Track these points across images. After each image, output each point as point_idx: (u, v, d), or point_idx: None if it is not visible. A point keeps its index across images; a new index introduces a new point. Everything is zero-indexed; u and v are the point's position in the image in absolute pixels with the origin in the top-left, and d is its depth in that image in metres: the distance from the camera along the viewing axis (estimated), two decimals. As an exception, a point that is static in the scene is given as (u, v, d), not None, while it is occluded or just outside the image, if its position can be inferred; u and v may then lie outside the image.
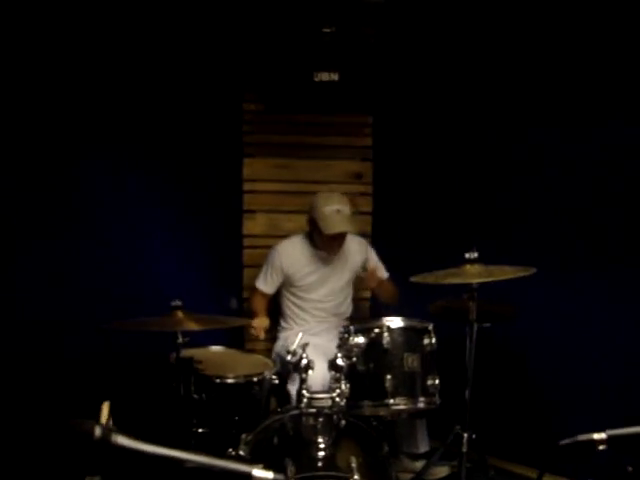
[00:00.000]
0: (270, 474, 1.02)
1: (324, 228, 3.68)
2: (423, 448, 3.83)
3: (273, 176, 4.40)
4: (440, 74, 4.21)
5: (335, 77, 3.96)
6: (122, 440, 0.96)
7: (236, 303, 4.21)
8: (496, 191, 3.98)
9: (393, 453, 3.17)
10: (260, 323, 3.69)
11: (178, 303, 2.93)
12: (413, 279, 3.01)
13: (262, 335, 3.71)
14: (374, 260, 4.05)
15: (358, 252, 4.00)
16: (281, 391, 3.47)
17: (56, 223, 3.48)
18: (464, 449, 3.18)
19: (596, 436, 1.53)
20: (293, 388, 3.44)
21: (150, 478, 1.01)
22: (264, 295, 3.95)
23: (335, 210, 3.69)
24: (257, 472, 1.01)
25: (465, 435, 3.19)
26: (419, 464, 3.72)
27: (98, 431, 0.95)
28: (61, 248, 3.51)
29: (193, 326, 2.84)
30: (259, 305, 3.93)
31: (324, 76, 3.95)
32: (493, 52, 3.95)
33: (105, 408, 1.61)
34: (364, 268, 3.98)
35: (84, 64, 3.59)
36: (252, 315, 3.86)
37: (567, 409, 3.69)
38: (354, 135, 4.50)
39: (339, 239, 3.79)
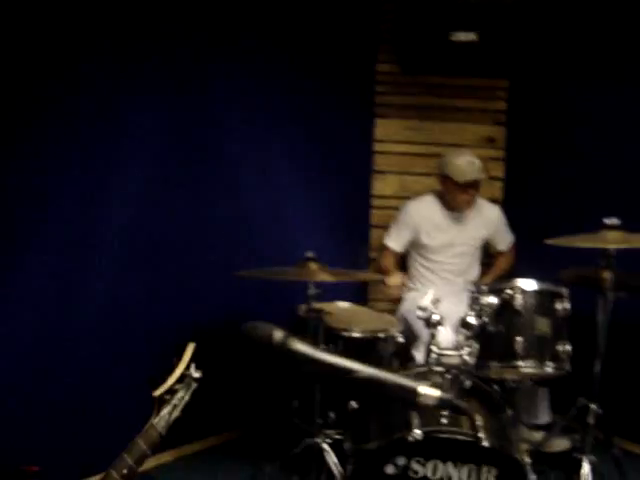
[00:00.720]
0: (437, 392, 1.04)
1: (456, 176, 3.67)
2: (544, 419, 3.78)
3: (404, 138, 4.40)
4: (578, 40, 4.05)
5: (473, 37, 3.88)
6: (299, 346, 1.02)
7: (363, 254, 4.22)
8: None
9: (513, 421, 3.14)
10: (395, 280, 3.71)
11: (311, 255, 3.00)
12: (548, 241, 2.95)
13: (398, 293, 3.73)
14: (502, 234, 4.03)
15: (489, 220, 3.97)
16: (404, 353, 3.50)
17: (201, 176, 3.60)
18: (590, 420, 3.10)
19: None
20: (418, 354, 3.47)
21: (322, 382, 1.07)
22: (393, 253, 3.98)
23: (467, 161, 3.69)
24: (423, 388, 1.04)
25: (592, 406, 3.11)
26: (538, 435, 3.68)
27: (278, 335, 1.01)
28: (204, 199, 3.64)
29: (326, 277, 2.91)
30: (389, 263, 3.96)
31: (461, 36, 3.88)
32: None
33: (189, 349, 1.70)
34: (491, 242, 3.96)
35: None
36: (383, 274, 3.88)
37: None
38: (488, 99, 4.43)
39: (470, 192, 3.75)
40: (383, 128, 4.39)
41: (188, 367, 1.67)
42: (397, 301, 3.99)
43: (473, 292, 2.96)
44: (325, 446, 3.23)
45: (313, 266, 2.98)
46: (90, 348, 3.24)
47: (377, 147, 4.40)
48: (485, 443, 2.51)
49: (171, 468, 3.60)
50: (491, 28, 3.97)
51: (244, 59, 3.70)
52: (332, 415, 3.33)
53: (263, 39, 3.76)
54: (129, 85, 3.24)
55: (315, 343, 3.23)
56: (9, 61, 2.81)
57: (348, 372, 1.02)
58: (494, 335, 2.86)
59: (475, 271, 4.01)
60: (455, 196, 3.77)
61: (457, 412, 1.41)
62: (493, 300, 2.84)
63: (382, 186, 4.42)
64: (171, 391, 1.63)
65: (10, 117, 2.84)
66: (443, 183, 3.79)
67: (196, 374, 1.67)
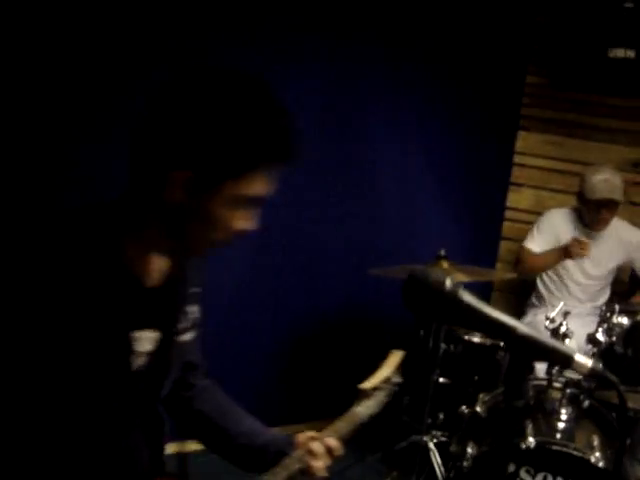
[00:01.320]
0: (590, 362, 1.06)
1: (589, 194, 3.58)
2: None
3: (545, 152, 4.34)
4: None
5: (632, 54, 3.77)
6: (467, 297, 1.06)
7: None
8: None
9: (631, 451, 3.04)
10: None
11: (444, 253, 3.03)
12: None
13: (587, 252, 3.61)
14: None
15: (629, 244, 3.81)
16: (523, 366, 3.46)
17: (340, 173, 3.70)
18: None
19: None
20: (539, 365, 3.41)
21: (483, 332, 1.11)
22: (533, 255, 3.84)
23: (603, 179, 3.58)
24: (579, 357, 1.06)
25: None
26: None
27: (449, 283, 1.06)
28: (341, 195, 3.74)
29: (458, 276, 2.93)
30: (528, 265, 3.85)
31: (619, 52, 3.79)
32: None
33: (398, 356, 1.89)
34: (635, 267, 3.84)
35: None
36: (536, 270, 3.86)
37: None
38: (637, 120, 4.29)
39: (606, 212, 3.63)
40: (525, 141, 4.35)
41: (394, 372, 1.83)
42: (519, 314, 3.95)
43: (604, 310, 2.90)
44: (431, 445, 3.26)
45: (445, 264, 3.01)
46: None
47: (517, 159, 4.36)
48: (600, 464, 2.46)
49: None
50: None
51: (393, 66, 3.79)
52: (441, 416, 3.36)
53: (414, 49, 3.82)
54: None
55: (435, 342, 3.26)
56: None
57: (509, 329, 1.05)
58: (621, 357, 2.79)
59: (605, 297, 3.88)
60: (590, 215, 3.68)
61: (607, 385, 1.40)
62: (624, 320, 2.78)
63: (517, 199, 4.38)
64: (376, 389, 1.76)
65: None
66: (580, 199, 3.71)
67: (398, 379, 1.84)
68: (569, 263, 3.77)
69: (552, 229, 3.81)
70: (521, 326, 1.06)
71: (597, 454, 2.48)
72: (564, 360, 1.06)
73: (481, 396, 2.95)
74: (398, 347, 3.71)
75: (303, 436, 1.61)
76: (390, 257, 3.47)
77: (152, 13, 2.94)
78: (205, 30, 3.09)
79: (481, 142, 4.17)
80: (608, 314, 2.85)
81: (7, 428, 1.26)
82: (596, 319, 3.06)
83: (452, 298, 1.07)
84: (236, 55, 3.15)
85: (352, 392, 1.75)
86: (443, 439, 3.32)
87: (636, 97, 4.12)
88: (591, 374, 1.07)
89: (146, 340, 1.38)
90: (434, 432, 3.32)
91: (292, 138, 1.27)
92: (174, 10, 3.01)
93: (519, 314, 4.00)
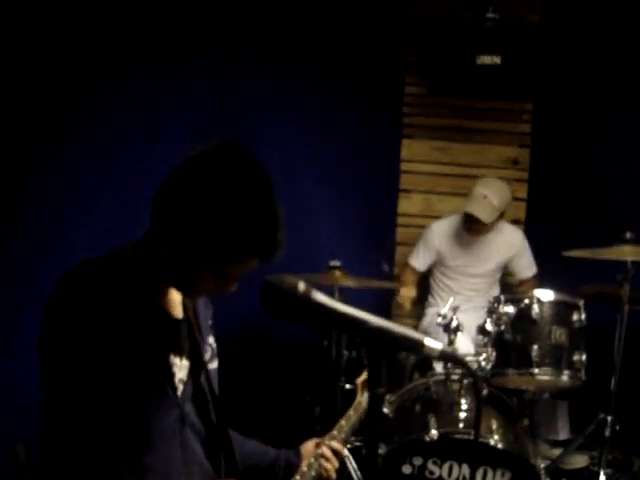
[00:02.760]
0: (439, 345, 1.15)
1: (465, 205, 3.77)
2: (563, 435, 3.82)
3: (430, 158, 4.51)
4: (602, 63, 4.16)
5: (497, 60, 4.01)
6: (320, 297, 1.13)
7: (387, 267, 4.33)
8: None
9: (530, 431, 3.21)
10: (407, 292, 3.83)
11: (337, 263, 3.12)
12: (565, 253, 3.04)
13: (408, 305, 3.85)
14: (524, 260, 4.05)
15: (510, 244, 4.01)
16: (426, 366, 3.58)
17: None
18: (607, 433, 3.16)
19: None
20: (438, 365, 3.55)
21: (338, 329, 1.20)
22: (415, 271, 4.07)
23: (482, 194, 3.73)
24: (428, 341, 1.14)
25: (609, 419, 3.17)
26: (557, 451, 3.72)
27: (302, 286, 1.13)
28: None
29: (350, 283, 3.03)
30: (408, 279, 4.06)
31: (486, 59, 4.02)
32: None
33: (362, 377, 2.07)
34: (512, 267, 4.05)
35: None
36: (400, 286, 4.00)
37: None
38: (513, 121, 4.53)
39: (472, 223, 3.82)
40: (409, 148, 4.51)
41: None
42: (413, 317, 4.10)
43: (491, 302, 3.06)
44: (345, 452, 3.32)
45: (338, 273, 3.10)
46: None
47: (403, 167, 4.51)
48: (500, 445, 2.59)
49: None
50: (515, 51, 4.11)
51: (277, 77, 3.89)
52: (353, 422, 3.43)
53: (297, 59, 3.93)
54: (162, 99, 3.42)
55: (337, 350, 3.35)
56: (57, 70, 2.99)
57: (362, 322, 1.13)
58: (511, 343, 2.94)
59: (495, 291, 4.06)
60: (465, 225, 3.87)
61: (457, 364, 1.49)
62: (510, 309, 2.93)
63: (407, 205, 4.53)
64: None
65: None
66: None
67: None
68: (457, 262, 3.95)
69: (433, 244, 4.00)
70: (373, 318, 1.14)
71: (496, 437, 2.62)
72: (415, 346, 1.15)
73: (387, 397, 3.06)
74: (304, 357, 3.80)
75: (309, 445, 1.81)
76: (289, 270, 3.53)
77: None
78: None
79: (368, 153, 4.30)
80: (495, 305, 3.00)
81: (71, 453, 1.37)
82: (487, 312, 3.22)
83: (305, 300, 1.14)
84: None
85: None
86: (357, 444, 3.40)
87: (505, 99, 4.36)
88: (441, 356, 1.16)
89: (182, 366, 1.53)
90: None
91: (278, 236, 1.44)
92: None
93: (419, 317, 4.15)
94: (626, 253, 2.98)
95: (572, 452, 3.59)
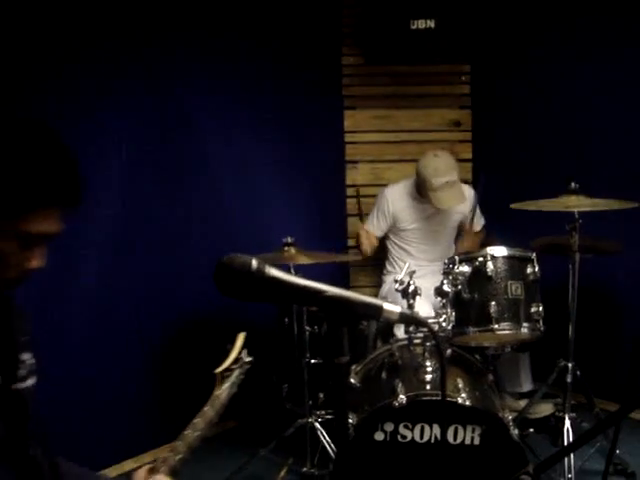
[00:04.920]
0: (398, 308, 1.16)
1: (435, 202, 3.73)
2: (526, 387, 3.90)
3: (374, 127, 4.53)
4: (535, 17, 4.21)
5: (432, 24, 4.02)
6: (274, 272, 1.13)
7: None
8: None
9: (495, 386, 3.27)
10: (369, 237, 3.84)
11: (290, 240, 3.12)
12: (513, 206, 3.08)
13: (369, 250, 3.87)
14: (476, 214, 4.10)
15: (464, 203, 4.05)
16: (387, 332, 3.61)
17: (174, 169, 3.72)
18: (568, 379, 3.24)
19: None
20: (399, 330, 3.58)
21: (296, 302, 1.20)
22: (374, 236, 4.08)
23: (445, 182, 3.69)
24: (387, 305, 1.15)
25: (569, 365, 3.25)
26: (522, 402, 3.81)
27: (255, 263, 1.12)
28: (181, 191, 3.77)
29: (305, 260, 3.02)
30: (366, 243, 4.06)
31: (421, 24, 4.03)
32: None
33: (241, 338, 2.00)
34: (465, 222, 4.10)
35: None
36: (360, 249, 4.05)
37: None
38: (452, 83, 4.57)
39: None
40: (352, 119, 4.52)
41: (240, 352, 2.00)
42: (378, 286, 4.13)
43: (446, 263, 3.09)
44: (317, 425, 3.35)
45: (292, 250, 3.10)
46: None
47: (348, 138, 4.52)
48: (468, 402, 2.63)
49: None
50: (449, 14, 4.13)
51: (216, 56, 3.84)
52: (321, 395, 3.45)
53: (234, 37, 3.88)
54: (107, 87, 3.35)
55: (299, 326, 3.35)
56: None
57: (319, 292, 1.13)
58: (469, 302, 2.98)
59: (451, 252, 4.12)
60: (430, 201, 3.83)
61: (417, 325, 1.50)
62: (465, 268, 2.97)
63: (355, 175, 4.54)
64: (229, 370, 1.94)
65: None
66: (419, 184, 3.86)
67: (248, 358, 2.01)
68: (413, 227, 3.98)
69: (387, 209, 4.00)
70: (329, 288, 1.15)
71: (463, 395, 2.65)
72: (375, 311, 1.16)
73: (353, 367, 3.09)
74: (266, 337, 3.80)
75: (140, 473, 1.70)
76: (242, 251, 3.51)
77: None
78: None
79: (312, 127, 4.30)
80: (450, 265, 3.04)
81: None
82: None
83: (260, 276, 1.14)
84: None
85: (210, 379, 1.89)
86: (328, 417, 3.43)
87: (442, 63, 4.39)
88: (401, 319, 1.17)
89: None
90: (317, 412, 3.42)
91: (71, 181, 1.34)
92: None
93: (378, 285, 4.18)
94: (572, 203, 3.03)
95: (537, 402, 3.69)
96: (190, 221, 3.77)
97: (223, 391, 1.89)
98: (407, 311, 1.16)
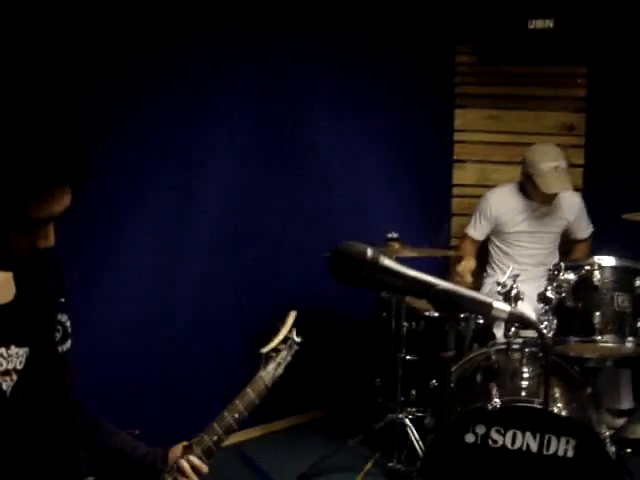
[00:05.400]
0: (507, 307, 1.16)
1: (542, 187, 3.68)
2: (626, 404, 3.77)
3: (484, 127, 4.47)
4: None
5: (550, 24, 3.93)
6: (387, 262, 1.16)
7: (444, 231, 4.31)
8: None
9: (595, 406, 3.18)
10: (466, 265, 3.79)
11: (394, 235, 3.14)
12: (625, 216, 2.99)
13: (468, 277, 3.81)
14: (583, 222, 4.03)
15: (570, 208, 3.97)
16: (485, 333, 3.57)
17: (283, 161, 3.80)
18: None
19: None
20: (498, 332, 3.54)
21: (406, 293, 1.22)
22: (473, 242, 4.04)
23: (553, 167, 3.65)
24: (497, 303, 1.15)
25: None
26: (621, 421, 3.69)
27: (370, 252, 1.16)
28: (289, 184, 3.84)
29: (407, 254, 3.04)
30: (467, 251, 4.02)
31: (539, 23, 3.94)
32: None
33: (292, 316, 1.92)
34: (571, 230, 4.01)
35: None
36: (459, 260, 3.98)
37: None
38: (567, 86, 4.45)
39: (551, 196, 3.81)
40: (463, 118, 4.48)
41: (290, 331, 1.90)
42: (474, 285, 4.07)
43: (551, 270, 3.03)
44: (407, 422, 3.36)
45: (396, 245, 3.12)
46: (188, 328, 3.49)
47: (457, 136, 4.49)
48: (564, 413, 2.59)
49: (259, 443, 3.80)
50: (568, 14, 4.02)
51: (329, 53, 3.89)
52: (414, 393, 3.46)
53: (346, 33, 3.92)
54: (218, 81, 3.46)
55: (397, 321, 3.37)
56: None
57: (430, 285, 1.15)
58: (572, 311, 2.91)
59: (554, 259, 4.02)
60: (538, 195, 3.79)
61: (526, 325, 1.48)
62: (571, 276, 2.90)
63: (462, 175, 4.51)
64: (276, 350, 1.85)
65: (104, 117, 3.08)
66: (526, 178, 3.81)
67: (297, 338, 1.91)
68: (517, 230, 3.91)
69: (491, 213, 3.95)
70: (441, 282, 1.16)
71: (559, 405, 2.61)
72: (484, 307, 1.16)
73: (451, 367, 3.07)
74: (364, 331, 3.83)
75: (176, 450, 1.67)
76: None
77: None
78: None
79: (422, 124, 4.30)
80: (555, 272, 2.97)
81: None
82: (548, 280, 3.19)
83: (374, 265, 1.17)
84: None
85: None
86: (418, 414, 3.43)
87: (558, 64, 4.28)
88: (511, 318, 1.17)
89: (10, 356, 1.38)
90: (408, 409, 3.43)
91: (76, 158, 1.28)
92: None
93: (478, 288, 4.13)
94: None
95: (637, 421, 3.56)
96: (296, 214, 3.84)
97: (267, 373, 1.81)
98: (516, 310, 1.16)
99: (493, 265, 4.06)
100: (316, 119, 3.85)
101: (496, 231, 3.99)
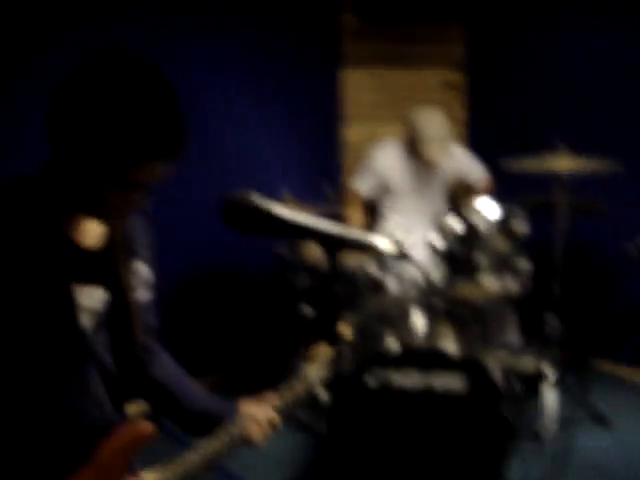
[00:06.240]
0: (389, 243, 1.24)
1: (425, 153, 3.78)
2: (514, 341, 3.96)
3: (369, 85, 4.57)
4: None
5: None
6: (277, 209, 1.22)
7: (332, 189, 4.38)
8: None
9: (486, 344, 3.37)
10: (355, 221, 3.88)
11: (286, 193, 3.19)
12: (503, 164, 3.16)
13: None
14: (474, 170, 4.15)
15: (456, 162, 4.08)
16: (379, 287, 3.70)
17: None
18: (555, 335, 3.35)
19: None
20: (391, 284, 3.67)
21: (296, 236, 1.29)
22: (361, 197, 4.11)
23: (435, 134, 3.76)
24: (380, 240, 1.23)
25: (556, 321, 3.36)
26: (509, 356, 3.91)
27: (259, 200, 1.21)
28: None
29: (298, 211, 3.10)
30: (355, 206, 4.10)
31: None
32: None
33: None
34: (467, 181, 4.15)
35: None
36: (349, 218, 4.06)
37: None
38: (447, 43, 4.60)
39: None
40: (348, 77, 4.56)
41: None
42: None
43: (437, 219, 3.17)
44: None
45: (288, 202, 3.18)
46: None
47: (343, 96, 4.57)
48: (455, 351, 2.75)
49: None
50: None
51: (210, 11, 3.87)
52: (314, 348, 3.55)
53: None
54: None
55: (294, 280, 3.45)
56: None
57: (318, 227, 1.22)
58: (459, 257, 3.07)
59: (444, 211, 4.17)
60: (422, 156, 3.89)
61: (404, 259, 1.57)
62: (456, 224, 3.05)
63: (350, 134, 4.60)
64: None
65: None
66: (411, 139, 3.90)
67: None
68: (404, 187, 4.03)
69: (375, 169, 4.03)
70: (327, 224, 1.24)
71: (451, 344, 2.78)
72: (367, 245, 1.25)
73: (345, 318, 3.18)
74: (262, 289, 3.86)
75: (246, 403, 1.68)
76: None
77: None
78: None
79: (308, 84, 4.35)
80: (442, 221, 3.12)
81: None
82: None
83: (265, 211, 1.23)
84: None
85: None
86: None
87: (438, 22, 4.43)
88: (390, 253, 1.26)
89: (91, 296, 1.46)
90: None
91: (182, 134, 1.38)
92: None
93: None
94: (560, 164, 3.12)
95: (523, 356, 3.80)
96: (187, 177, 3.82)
97: (314, 372, 1.81)
98: (397, 245, 1.25)
99: (382, 221, 4.17)
100: (203, 83, 3.83)
101: (383, 187, 4.08)
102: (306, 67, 4.34)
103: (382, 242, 1.24)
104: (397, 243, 2.83)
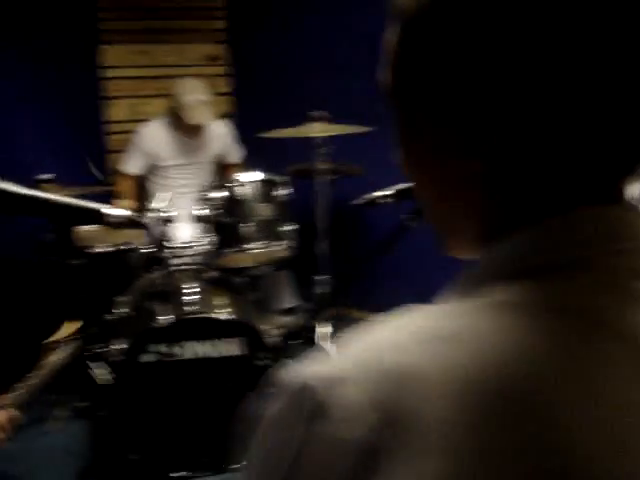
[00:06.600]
0: (122, 211, 1.25)
1: (186, 118, 3.84)
2: (290, 303, 4.16)
3: (131, 62, 4.52)
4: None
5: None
6: (2, 185, 1.19)
7: (98, 173, 4.30)
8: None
9: (262, 309, 3.50)
10: (124, 204, 3.81)
11: (47, 176, 3.07)
12: (260, 135, 3.28)
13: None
14: (233, 148, 4.27)
15: (219, 137, 4.19)
16: (151, 265, 3.68)
17: None
18: (325, 292, 3.55)
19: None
20: (162, 255, 3.68)
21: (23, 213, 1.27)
22: (130, 177, 4.09)
23: (195, 100, 3.83)
24: (108, 210, 1.25)
25: (325, 279, 3.56)
26: (287, 318, 4.08)
27: None
28: None
29: (65, 194, 3.00)
30: (125, 187, 4.07)
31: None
32: None
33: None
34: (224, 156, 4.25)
35: None
36: (117, 198, 4.01)
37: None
38: (208, 18, 4.65)
39: (195, 129, 3.98)
40: (109, 54, 4.47)
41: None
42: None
43: (202, 190, 3.23)
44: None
45: (50, 187, 3.06)
46: None
47: (104, 73, 4.47)
48: (231, 317, 2.84)
49: None
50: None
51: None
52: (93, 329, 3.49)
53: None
54: None
55: (62, 263, 3.34)
56: None
57: (43, 200, 1.21)
58: (226, 226, 3.14)
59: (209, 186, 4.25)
60: (186, 128, 3.96)
61: (138, 227, 1.62)
62: (219, 194, 3.13)
63: (114, 112, 4.51)
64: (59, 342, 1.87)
65: None
66: (173, 112, 3.95)
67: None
68: (171, 163, 4.06)
69: (143, 147, 4.03)
70: (53, 196, 1.24)
71: (225, 312, 2.85)
72: (95, 215, 1.26)
73: (120, 298, 3.16)
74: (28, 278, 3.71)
75: None
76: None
77: None
78: None
79: (67, 64, 4.20)
80: (206, 192, 3.18)
81: None
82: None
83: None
84: None
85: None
86: (98, 350, 3.46)
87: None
88: (124, 222, 1.28)
89: None
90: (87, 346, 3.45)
91: None
92: None
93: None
94: (316, 131, 3.31)
95: (299, 315, 3.99)
96: None
97: (52, 361, 1.80)
98: (132, 215, 1.27)
99: (151, 198, 4.15)
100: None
101: (151, 165, 4.08)
102: (65, 45, 4.19)
103: (115, 211, 1.26)
104: (160, 215, 2.88)
